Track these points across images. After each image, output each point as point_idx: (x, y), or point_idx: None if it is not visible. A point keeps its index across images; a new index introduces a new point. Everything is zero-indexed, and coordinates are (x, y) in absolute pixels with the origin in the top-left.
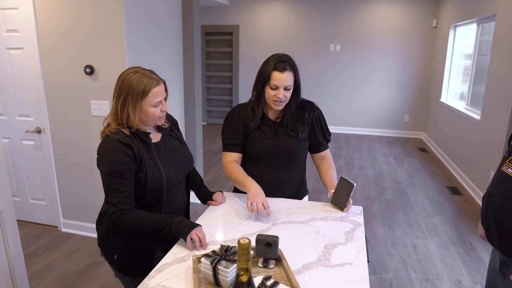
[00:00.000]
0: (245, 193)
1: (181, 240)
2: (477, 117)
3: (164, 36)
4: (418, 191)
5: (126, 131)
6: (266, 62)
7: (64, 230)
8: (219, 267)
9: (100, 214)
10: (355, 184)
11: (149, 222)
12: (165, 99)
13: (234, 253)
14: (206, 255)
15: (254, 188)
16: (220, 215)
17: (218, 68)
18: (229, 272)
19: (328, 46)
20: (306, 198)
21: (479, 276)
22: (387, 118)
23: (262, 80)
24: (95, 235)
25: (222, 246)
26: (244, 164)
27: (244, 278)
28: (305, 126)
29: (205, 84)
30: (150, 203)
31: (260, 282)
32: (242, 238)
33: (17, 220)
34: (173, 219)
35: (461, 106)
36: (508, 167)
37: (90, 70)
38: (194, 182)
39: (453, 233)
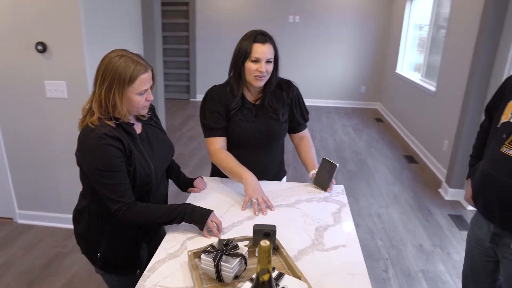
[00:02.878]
0: (226, 176)
1: (170, 233)
2: (433, 88)
3: (122, 8)
4: (377, 161)
5: (111, 123)
6: (244, 37)
7: (20, 221)
8: (222, 263)
9: (77, 210)
10: (337, 165)
11: (158, 214)
12: (151, 87)
13: (235, 247)
14: (205, 251)
15: (251, 180)
16: (204, 203)
17: (175, 40)
18: (232, 268)
19: (287, 17)
20: (284, 179)
21: (438, 239)
22: (344, 90)
23: (242, 55)
24: (57, 224)
25: (220, 240)
26: None
27: (265, 277)
28: (285, 108)
29: (162, 57)
30: (138, 197)
31: None
32: (263, 241)
33: None
34: (184, 208)
35: (416, 77)
36: (509, 148)
37: (42, 48)
38: (172, 170)
39: (412, 201)
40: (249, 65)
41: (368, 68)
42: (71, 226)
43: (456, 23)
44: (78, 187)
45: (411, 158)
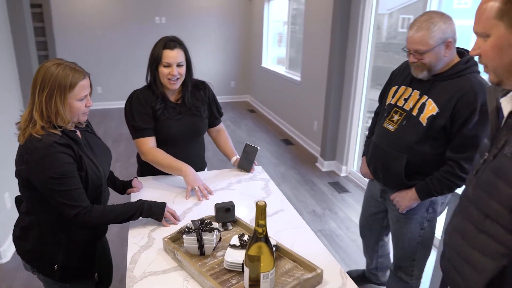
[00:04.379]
0: (156, 173)
1: (132, 229)
2: (298, 78)
3: None
4: (260, 147)
5: (57, 132)
6: (156, 45)
7: None
8: (204, 237)
9: (21, 228)
10: (258, 148)
11: (116, 213)
12: (90, 94)
13: (209, 223)
14: (185, 232)
15: (190, 171)
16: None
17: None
18: (213, 240)
19: (154, 19)
20: (206, 169)
21: (324, 203)
22: (216, 86)
23: (155, 61)
24: None
25: (193, 221)
26: None
27: (261, 230)
28: (204, 106)
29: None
30: (91, 200)
31: (238, 240)
32: (259, 201)
33: None
34: (141, 205)
35: (281, 69)
36: (389, 124)
37: None
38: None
39: (297, 176)
40: (162, 70)
41: (236, 64)
42: None
43: (311, 19)
44: None
45: (288, 141)
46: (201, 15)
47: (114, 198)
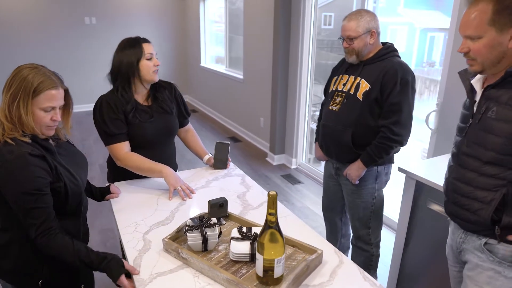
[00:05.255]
0: (128, 178)
1: (123, 233)
2: (240, 76)
3: None
4: (208, 145)
5: (27, 139)
6: (124, 46)
7: None
8: (208, 233)
9: None
10: (228, 142)
11: (69, 254)
12: (67, 110)
13: (208, 219)
14: (187, 231)
15: (170, 172)
16: (131, 205)
17: None
18: (216, 234)
19: (83, 19)
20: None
21: (281, 195)
22: None
23: (135, 58)
24: None
25: (193, 218)
26: None
27: (273, 219)
28: (173, 104)
29: None
30: (71, 211)
31: (237, 232)
32: (270, 191)
33: None
34: (93, 261)
35: (222, 68)
36: (333, 106)
37: None
38: None
39: (250, 172)
40: (146, 63)
41: (173, 65)
42: None
43: (250, 18)
44: None
45: (235, 139)
46: (133, 15)
47: (93, 205)
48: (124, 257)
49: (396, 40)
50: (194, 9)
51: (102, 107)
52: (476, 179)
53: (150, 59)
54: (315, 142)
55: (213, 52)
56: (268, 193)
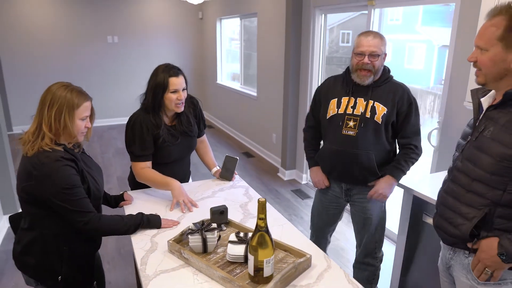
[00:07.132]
0: (140, 188)
1: (134, 236)
2: (254, 94)
3: None
4: (221, 159)
5: (60, 148)
6: (156, 74)
7: None
8: (208, 236)
9: (24, 245)
10: (237, 158)
11: (123, 223)
12: (91, 118)
13: (209, 224)
14: (189, 233)
15: (176, 186)
16: (142, 211)
17: None
18: (215, 237)
19: (106, 38)
20: (191, 178)
21: (291, 209)
22: None
23: (161, 90)
24: None
25: (194, 223)
26: (155, 168)
27: (262, 223)
28: (194, 120)
29: None
30: None
31: (235, 236)
32: (260, 198)
33: None
34: (141, 218)
35: (237, 85)
36: (348, 130)
37: None
38: None
39: (262, 187)
40: (170, 96)
41: (191, 81)
42: None
43: (261, 40)
44: None
45: (248, 154)
46: (154, 33)
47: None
48: (136, 266)
49: (414, 58)
50: (211, 28)
51: (135, 127)
52: (464, 195)
53: (174, 92)
54: (310, 168)
55: (230, 69)
56: (258, 199)
